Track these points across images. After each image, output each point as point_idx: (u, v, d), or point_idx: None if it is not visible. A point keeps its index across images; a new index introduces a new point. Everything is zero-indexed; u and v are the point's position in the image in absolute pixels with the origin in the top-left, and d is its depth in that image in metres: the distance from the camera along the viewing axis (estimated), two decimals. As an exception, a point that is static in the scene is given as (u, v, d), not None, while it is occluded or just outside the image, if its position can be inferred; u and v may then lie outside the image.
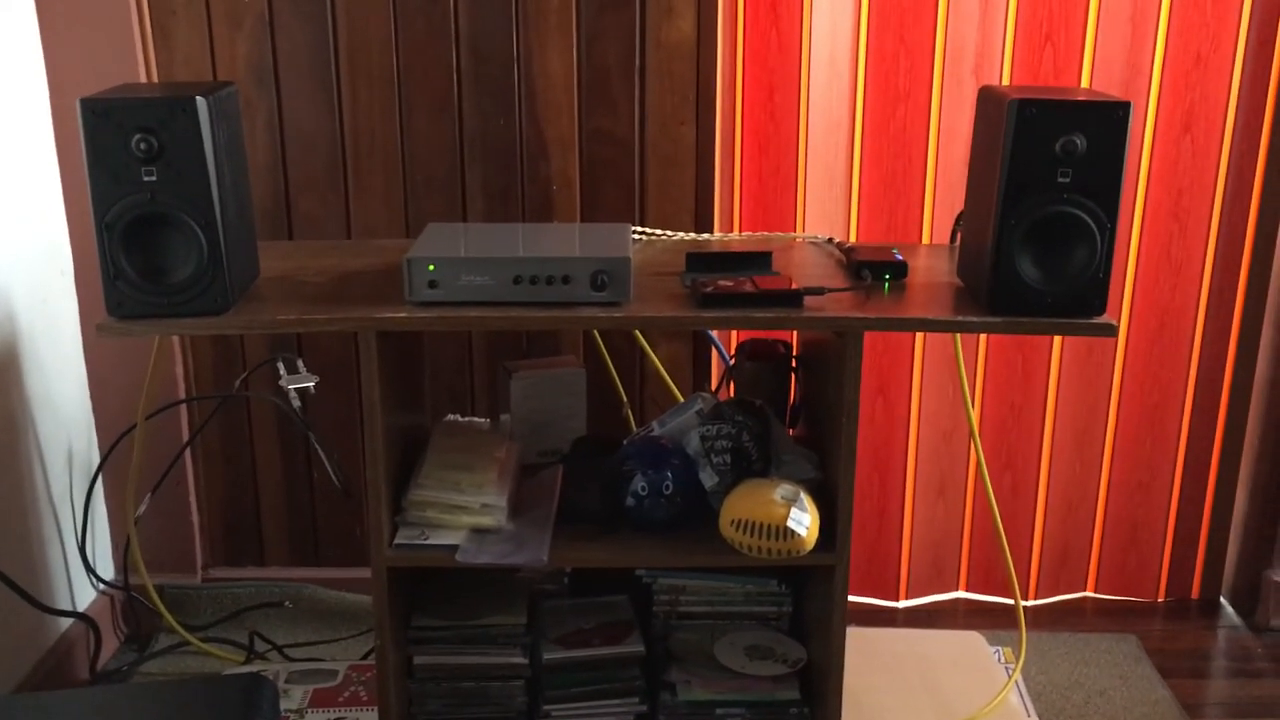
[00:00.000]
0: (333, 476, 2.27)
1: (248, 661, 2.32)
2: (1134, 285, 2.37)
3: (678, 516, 1.78)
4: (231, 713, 1.43)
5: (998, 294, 1.61)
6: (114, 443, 2.26)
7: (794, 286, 1.67)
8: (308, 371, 2.20)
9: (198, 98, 1.51)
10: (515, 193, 2.29)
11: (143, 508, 2.31)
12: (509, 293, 1.63)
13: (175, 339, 2.33)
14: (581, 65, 2.23)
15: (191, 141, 1.52)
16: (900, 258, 1.78)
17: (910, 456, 2.48)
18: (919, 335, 2.38)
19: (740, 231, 2.32)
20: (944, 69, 2.24)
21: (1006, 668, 2.29)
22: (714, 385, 2.31)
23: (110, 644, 2.36)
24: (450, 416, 2.09)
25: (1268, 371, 2.43)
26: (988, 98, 1.66)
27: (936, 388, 2.43)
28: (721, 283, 1.68)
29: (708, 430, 1.82)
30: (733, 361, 2.10)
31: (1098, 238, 1.57)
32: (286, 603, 2.47)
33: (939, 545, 2.54)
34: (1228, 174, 2.31)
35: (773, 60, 2.24)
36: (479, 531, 1.76)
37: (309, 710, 2.14)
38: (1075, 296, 1.60)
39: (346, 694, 2.18)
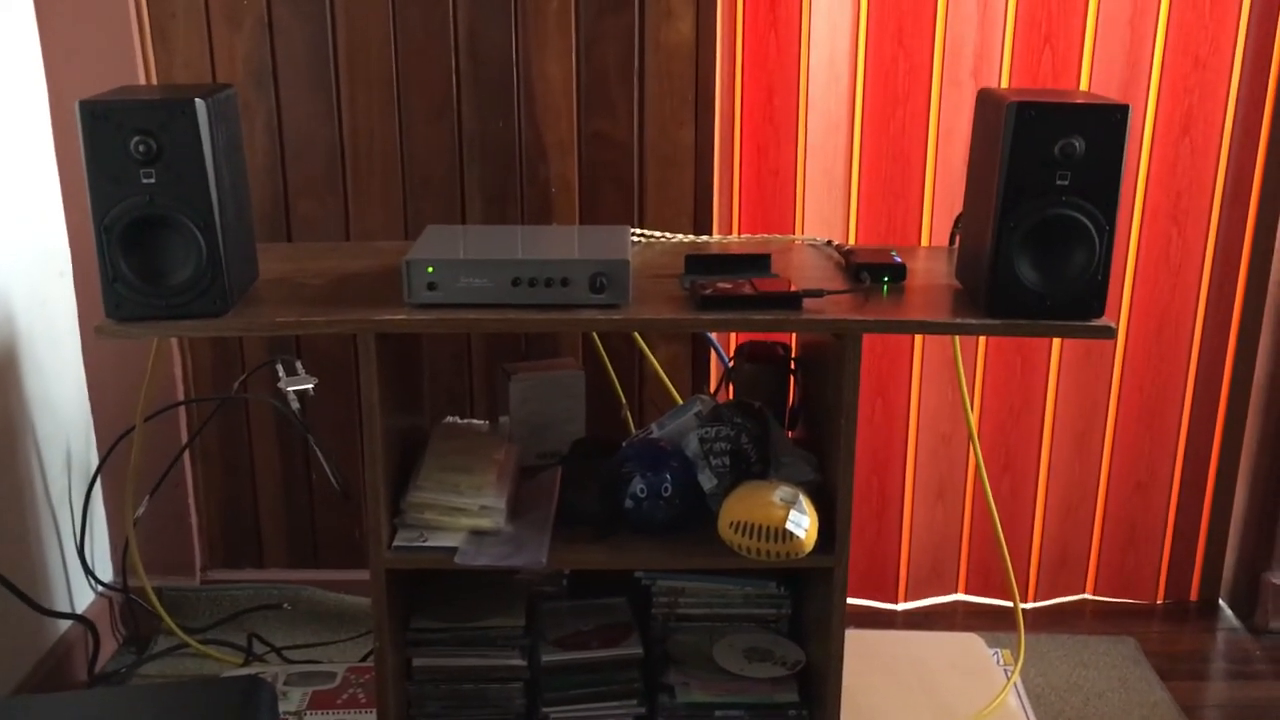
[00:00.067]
0: (331, 478, 2.27)
1: (246, 663, 2.31)
2: (1133, 287, 2.37)
3: (676, 518, 1.78)
4: (230, 715, 1.43)
5: (996, 296, 1.61)
6: (112, 444, 2.25)
7: (793, 289, 1.67)
8: (306, 373, 2.20)
9: (197, 100, 1.51)
10: (514, 195, 2.29)
11: (141, 509, 2.31)
12: (508, 295, 1.63)
13: (174, 341, 2.33)
14: (580, 67, 2.23)
15: (190, 144, 1.51)
16: (899, 260, 1.79)
17: (909, 459, 2.48)
18: (918, 337, 2.38)
19: (739, 234, 2.32)
20: (943, 71, 2.24)
21: (1005, 670, 2.29)
22: (713, 387, 2.31)
23: (109, 646, 2.36)
24: (449, 418, 2.09)
25: (1267, 373, 2.43)
26: (986, 100, 1.66)
27: (935, 390, 2.43)
28: (720, 285, 1.68)
29: (706, 432, 1.82)
30: (732, 364, 2.10)
31: (1096, 240, 1.57)
32: (285, 605, 2.47)
33: (938, 547, 2.54)
34: (1226, 176, 2.32)
35: (771, 62, 2.24)
36: (478, 533, 1.76)
37: (307, 712, 2.14)
38: (1074, 299, 1.60)
39: (345, 696, 2.18)
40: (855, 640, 1.91)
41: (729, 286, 1.67)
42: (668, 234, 2.10)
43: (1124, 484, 2.51)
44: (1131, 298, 2.38)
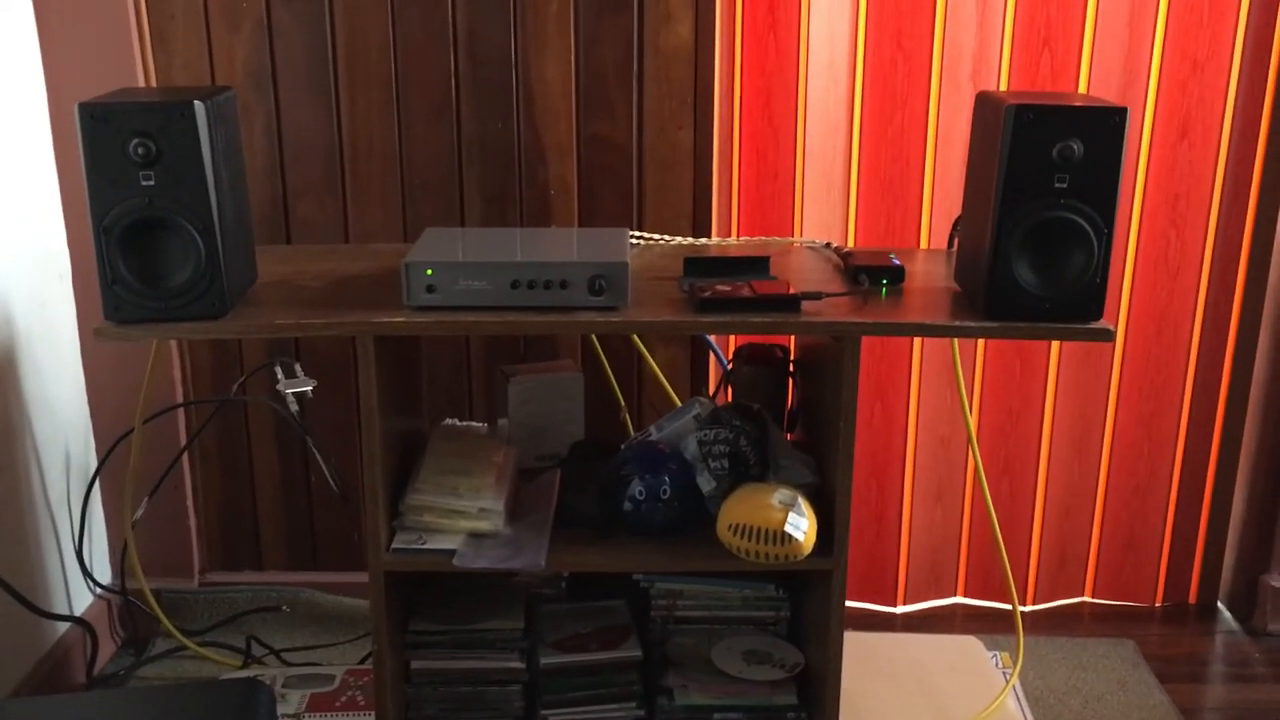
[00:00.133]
0: (330, 481, 2.27)
1: (245, 666, 2.31)
2: (1131, 290, 2.38)
3: (675, 521, 1.78)
4: (228, 717, 1.43)
5: (995, 299, 1.61)
6: (111, 447, 2.25)
7: (791, 291, 1.67)
8: (305, 375, 2.20)
9: (196, 102, 1.51)
10: (513, 197, 2.29)
11: (140, 512, 2.31)
12: (507, 297, 1.63)
13: (173, 343, 2.33)
14: (579, 70, 2.23)
15: (189, 146, 1.51)
16: (898, 262, 1.79)
17: (908, 461, 2.48)
18: (917, 340, 2.38)
19: (738, 236, 2.32)
20: (942, 74, 2.24)
21: (1004, 673, 2.29)
22: (712, 390, 2.31)
23: (107, 648, 2.35)
24: (448, 421, 2.09)
25: (1265, 376, 2.43)
26: (985, 103, 1.66)
27: (934, 392, 2.43)
28: (719, 287, 1.68)
29: (705, 435, 1.82)
30: (730, 366, 2.10)
31: (1095, 243, 1.57)
32: (284, 607, 2.47)
33: (937, 550, 2.54)
34: (1225, 179, 2.32)
35: (770, 65, 2.24)
36: (476, 536, 1.76)
37: (306, 715, 2.13)
38: (1072, 301, 1.60)
39: (344, 698, 2.18)
40: (854, 643, 1.91)
41: (728, 289, 1.67)
42: (666, 236, 2.10)
43: (1123, 486, 2.51)
44: (1130, 300, 2.38)
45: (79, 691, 2.20)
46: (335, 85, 2.24)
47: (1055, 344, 2.40)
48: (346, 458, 2.37)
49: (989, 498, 2.19)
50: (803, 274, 1.83)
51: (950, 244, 1.94)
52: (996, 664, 2.32)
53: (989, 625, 2.48)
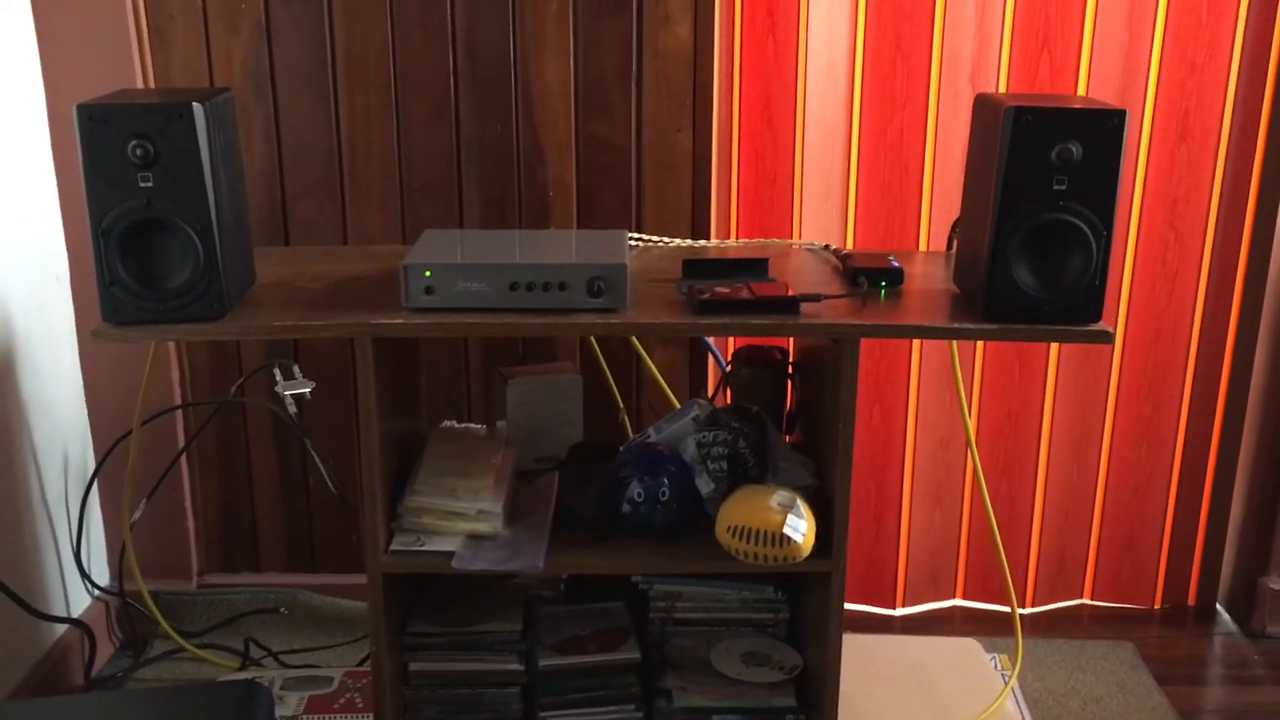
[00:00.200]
0: (329, 482, 2.26)
1: (243, 668, 2.31)
2: (1130, 292, 2.38)
3: (674, 523, 1.78)
4: (227, 719, 1.43)
5: (994, 301, 1.61)
6: (109, 448, 2.25)
7: (790, 293, 1.67)
8: (304, 377, 2.19)
9: (194, 104, 1.51)
10: (512, 199, 2.29)
11: (138, 513, 2.31)
12: (505, 299, 1.63)
13: (171, 345, 2.33)
14: (578, 72, 2.23)
15: (188, 147, 1.51)
16: (896, 265, 1.78)
17: (907, 463, 2.48)
18: (916, 342, 2.38)
19: (737, 238, 2.32)
20: (940, 76, 2.24)
21: (1003, 675, 2.29)
22: (710, 392, 2.31)
23: (105, 650, 2.35)
24: (446, 422, 2.09)
25: (1264, 378, 2.43)
26: (984, 105, 1.66)
27: (933, 395, 2.43)
28: (718, 289, 1.68)
29: (704, 437, 1.82)
30: (729, 368, 2.10)
31: (1093, 245, 1.57)
32: (282, 609, 2.47)
33: (936, 552, 2.54)
34: (1223, 182, 2.32)
35: (769, 67, 2.24)
36: (475, 538, 1.76)
37: (304, 717, 2.13)
38: (1071, 304, 1.60)
39: (342, 700, 2.18)
40: (853, 645, 1.90)
41: (726, 291, 1.67)
42: (665, 238, 2.10)
43: (1122, 489, 2.51)
44: (1129, 303, 2.38)
45: (77, 693, 2.20)
46: (334, 87, 2.24)
47: (1054, 346, 2.40)
48: (345, 459, 2.37)
49: (988, 500, 2.19)
50: (801, 276, 1.83)
51: (949, 246, 1.94)
52: (995, 666, 2.32)
53: (988, 627, 2.48)
